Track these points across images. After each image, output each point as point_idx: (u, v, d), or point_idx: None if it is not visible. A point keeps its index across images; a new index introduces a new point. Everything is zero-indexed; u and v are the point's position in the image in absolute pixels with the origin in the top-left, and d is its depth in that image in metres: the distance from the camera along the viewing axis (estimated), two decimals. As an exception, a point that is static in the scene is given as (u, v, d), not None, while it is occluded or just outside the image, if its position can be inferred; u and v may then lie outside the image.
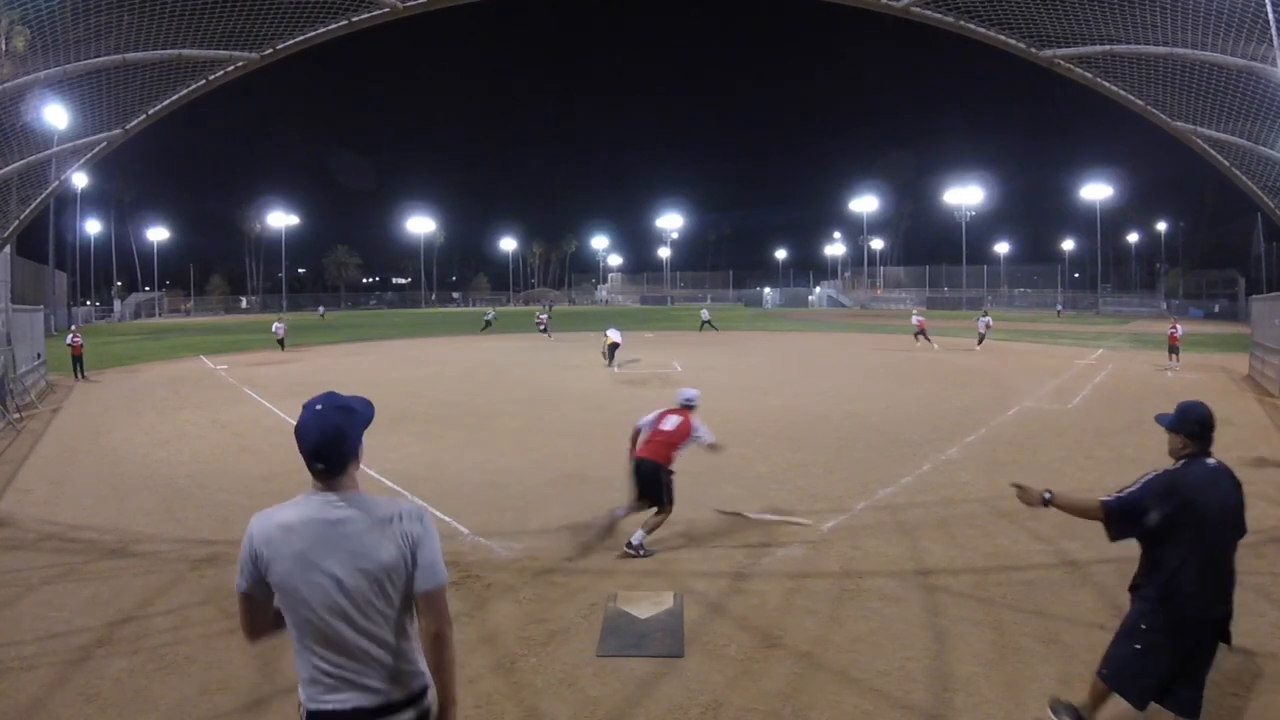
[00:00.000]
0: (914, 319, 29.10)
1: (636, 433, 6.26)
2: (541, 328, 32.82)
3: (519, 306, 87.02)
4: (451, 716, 2.03)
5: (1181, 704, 3.11)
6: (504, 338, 34.11)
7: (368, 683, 1.93)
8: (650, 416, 6.31)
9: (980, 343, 26.44)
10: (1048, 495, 3.23)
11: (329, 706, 1.93)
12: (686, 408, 6.46)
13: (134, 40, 7.83)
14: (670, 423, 6.21)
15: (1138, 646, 3.17)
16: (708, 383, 17.02)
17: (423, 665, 2.02)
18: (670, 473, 6.01)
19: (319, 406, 2.02)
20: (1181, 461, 3.18)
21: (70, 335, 19.60)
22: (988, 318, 28.10)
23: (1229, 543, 3.16)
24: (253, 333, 35.31)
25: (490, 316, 40.38)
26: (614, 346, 22.29)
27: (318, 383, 17.84)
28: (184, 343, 31.90)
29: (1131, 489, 3.16)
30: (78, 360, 18.72)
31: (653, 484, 5.98)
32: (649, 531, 5.96)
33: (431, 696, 2.01)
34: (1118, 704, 3.27)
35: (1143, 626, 3.18)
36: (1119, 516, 3.13)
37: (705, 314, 37.97)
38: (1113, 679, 3.22)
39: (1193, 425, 3.16)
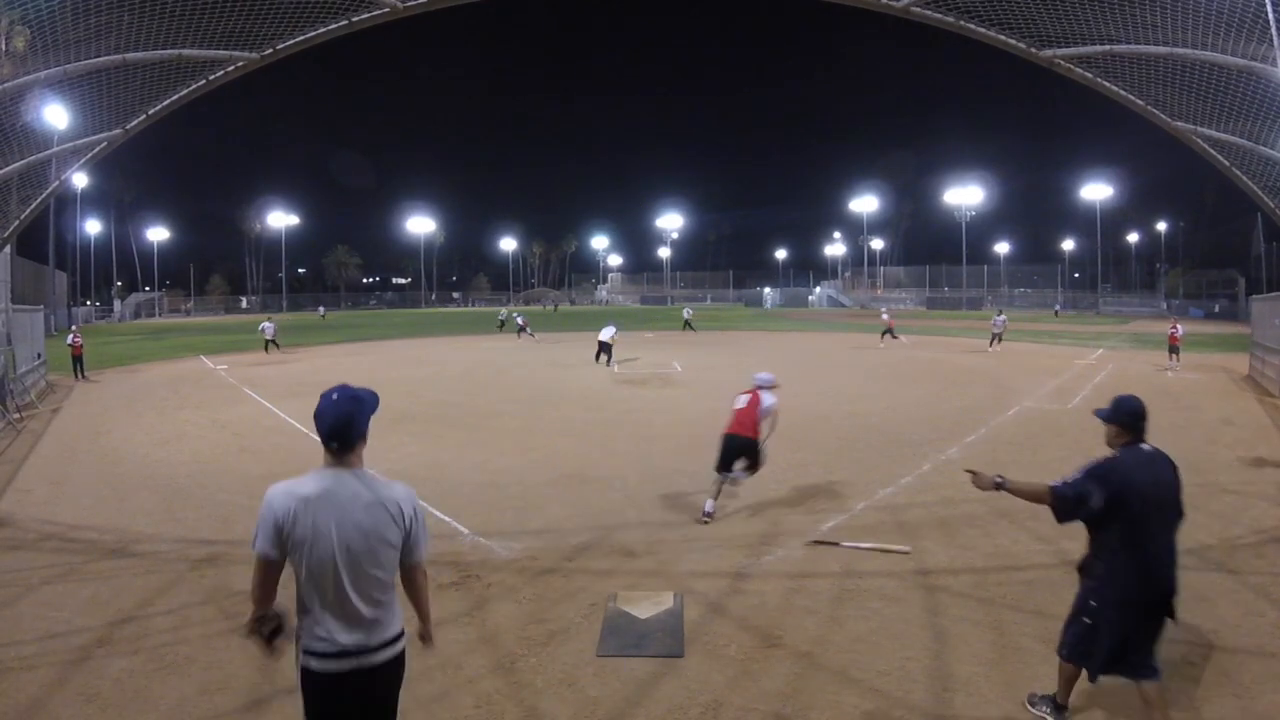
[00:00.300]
0: (883, 316, 31.58)
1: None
2: (521, 328, 31.94)
3: (520, 306, 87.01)
4: (430, 640, 2.71)
5: (1136, 670, 3.36)
6: (504, 338, 34.11)
7: (359, 626, 2.39)
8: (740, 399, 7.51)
9: (996, 343, 25.41)
10: (1000, 480, 3.47)
11: (326, 647, 2.37)
12: (759, 388, 7.60)
13: (134, 40, 7.82)
14: (742, 401, 7.48)
15: (1088, 622, 3.43)
16: (708, 382, 17.03)
17: (400, 616, 2.51)
18: (755, 440, 7.13)
19: (334, 395, 2.46)
20: (1119, 449, 3.43)
21: (70, 335, 19.60)
22: (1003, 317, 26.96)
23: (1168, 522, 3.38)
24: (253, 333, 35.18)
25: (503, 316, 40.57)
26: (605, 347, 21.71)
27: (317, 383, 17.80)
28: (184, 343, 31.90)
29: (1075, 475, 3.38)
30: (78, 360, 18.71)
31: (743, 451, 7.11)
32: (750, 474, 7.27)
33: (406, 638, 2.55)
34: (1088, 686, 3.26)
35: (1092, 604, 3.43)
36: (1064, 501, 3.35)
37: (687, 313, 37.77)
38: (1070, 654, 3.52)
39: (1125, 416, 3.45)
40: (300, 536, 2.35)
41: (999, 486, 3.47)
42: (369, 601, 2.40)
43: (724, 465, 7.08)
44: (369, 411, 2.50)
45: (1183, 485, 3.47)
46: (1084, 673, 3.51)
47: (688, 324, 36.57)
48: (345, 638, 2.38)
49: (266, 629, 2.50)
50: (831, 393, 15.44)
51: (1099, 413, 3.58)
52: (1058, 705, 3.70)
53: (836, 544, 6.17)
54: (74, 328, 23.15)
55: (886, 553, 5.99)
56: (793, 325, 44.74)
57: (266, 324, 26.79)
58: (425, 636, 2.69)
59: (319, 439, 2.42)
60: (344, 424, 2.41)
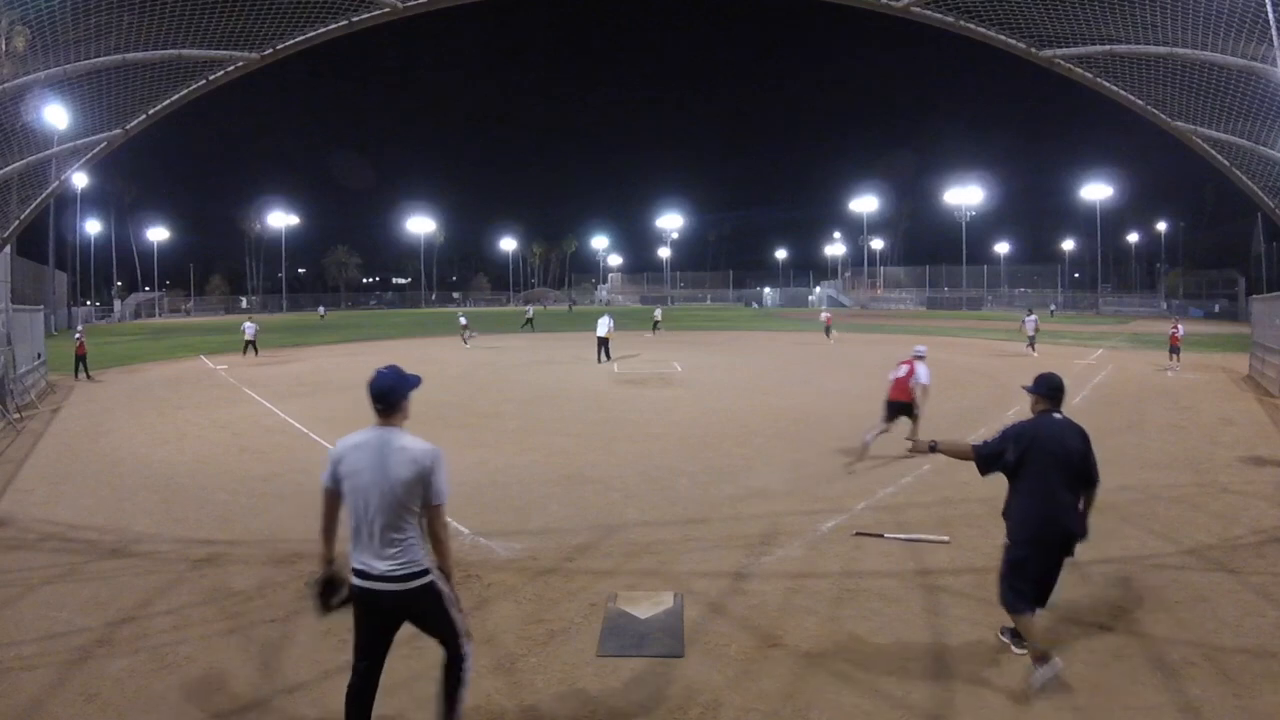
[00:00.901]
0: (822, 316, 33.85)
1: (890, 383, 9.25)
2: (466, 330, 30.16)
3: (520, 306, 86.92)
4: (451, 573, 3.20)
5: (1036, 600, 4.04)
6: (504, 338, 34.12)
7: (392, 554, 3.01)
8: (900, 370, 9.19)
9: (1032, 345, 24.10)
10: (934, 444, 4.22)
11: (367, 568, 3.03)
12: (916, 358, 9.17)
13: (134, 40, 7.83)
14: (901, 370, 9.10)
15: (1011, 561, 4.07)
16: (708, 382, 17.04)
17: (426, 556, 3.09)
18: (911, 403, 8.92)
19: (384, 370, 3.21)
20: (1035, 415, 4.11)
21: (77, 335, 19.71)
22: (1034, 317, 25.22)
23: (1070, 478, 3.96)
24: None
25: (530, 314, 40.82)
26: (603, 342, 21.68)
27: (317, 382, 17.84)
28: (184, 343, 31.90)
29: (994, 436, 4.11)
30: (80, 359, 18.75)
31: (902, 411, 9.00)
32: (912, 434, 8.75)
33: (431, 576, 3.10)
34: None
35: (1008, 543, 4.12)
36: (984, 458, 4.08)
37: (658, 314, 37.19)
38: (1004, 600, 4.09)
39: (1044, 388, 4.13)
40: (344, 473, 3.06)
41: (933, 449, 4.22)
42: (396, 532, 3.01)
43: (888, 419, 9.00)
44: (408, 387, 3.21)
45: (1092, 449, 4.02)
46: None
47: (657, 324, 35.72)
48: (378, 565, 3.01)
49: (336, 600, 3.17)
50: (832, 392, 15.44)
51: (1026, 387, 4.20)
52: (1044, 656, 3.95)
53: (881, 535, 6.37)
54: (79, 328, 23.00)
55: (928, 543, 6.19)
56: (793, 325, 44.74)
57: (248, 324, 25.16)
58: (445, 571, 3.16)
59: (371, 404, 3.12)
60: (386, 391, 3.13)
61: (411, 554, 3.04)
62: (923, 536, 6.31)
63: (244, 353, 24.11)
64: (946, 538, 6.22)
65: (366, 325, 47.83)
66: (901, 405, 8.96)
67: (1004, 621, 4.39)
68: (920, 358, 9.20)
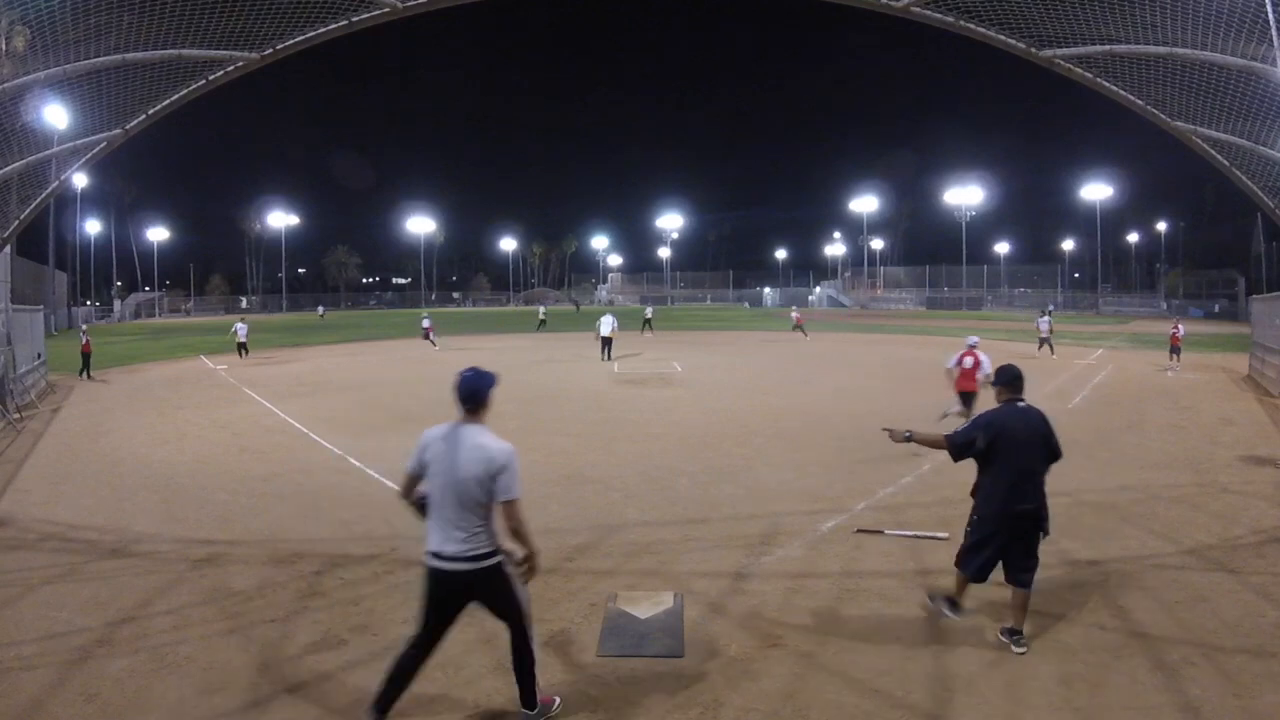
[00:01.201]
0: (792, 314, 35.25)
1: (949, 371, 10.33)
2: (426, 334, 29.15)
3: (520, 306, 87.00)
4: (535, 557, 3.49)
5: (1013, 575, 4.38)
6: (506, 338, 34.13)
7: (462, 539, 3.30)
8: (954, 359, 10.21)
9: (1047, 348, 22.77)
10: (909, 433, 4.60)
11: (440, 549, 3.33)
12: (973, 349, 10.11)
13: (134, 40, 7.82)
14: (968, 362, 10.05)
15: (975, 535, 4.44)
16: (708, 382, 17.04)
17: (495, 541, 3.37)
18: (977, 391, 9.85)
19: (469, 373, 3.48)
20: (1000, 404, 4.54)
21: (83, 333, 19.86)
22: (1048, 318, 23.59)
23: (1035, 457, 4.39)
24: (253, 332, 35.22)
25: (543, 315, 41.01)
26: (606, 341, 22.13)
27: (317, 382, 17.84)
28: (184, 343, 31.90)
29: (966, 425, 4.59)
30: (86, 358, 18.83)
31: (972, 399, 9.93)
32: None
33: (500, 558, 3.41)
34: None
35: (976, 518, 4.47)
36: (957, 446, 4.45)
37: (648, 313, 36.72)
38: (961, 563, 4.53)
39: (1005, 379, 4.58)
40: (427, 460, 3.38)
41: (909, 439, 4.59)
42: (467, 519, 3.29)
43: (964, 405, 10.04)
44: (489, 386, 3.48)
45: (1054, 431, 4.52)
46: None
47: (647, 323, 34.96)
48: (449, 547, 3.30)
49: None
50: (831, 392, 15.43)
51: (989, 379, 4.77)
52: (953, 603, 4.67)
53: (880, 532, 6.44)
54: (84, 327, 23.03)
55: (928, 540, 6.26)
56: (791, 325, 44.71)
57: (240, 325, 24.48)
58: (527, 559, 3.45)
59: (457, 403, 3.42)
60: (473, 391, 3.42)
61: (481, 539, 3.32)
62: (922, 533, 6.36)
63: (246, 353, 23.76)
64: (945, 534, 6.23)
65: (366, 325, 47.82)
66: (971, 394, 10.03)
67: (1003, 622, 4.54)
68: (976, 347, 10.18)
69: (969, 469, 4.60)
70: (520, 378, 18.36)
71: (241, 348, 23.72)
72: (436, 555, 3.33)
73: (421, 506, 3.45)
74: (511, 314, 69.15)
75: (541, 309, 44.39)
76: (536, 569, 3.52)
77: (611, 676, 4.11)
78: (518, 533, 3.36)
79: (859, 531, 6.45)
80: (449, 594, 3.40)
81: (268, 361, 23.33)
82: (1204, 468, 8.78)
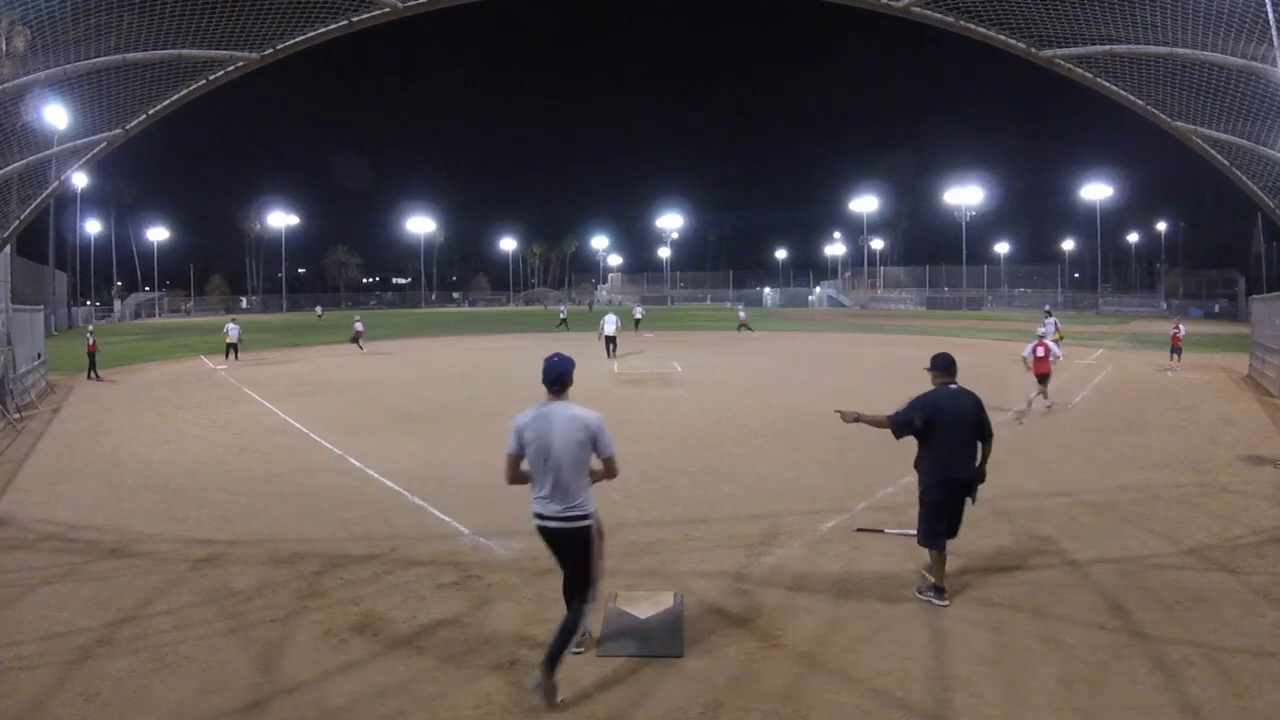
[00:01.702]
0: (740, 314, 38.58)
1: (1024, 359, 12.69)
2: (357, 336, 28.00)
3: (520, 306, 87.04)
4: (613, 474, 4.17)
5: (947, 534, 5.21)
6: (505, 338, 34.12)
7: (565, 499, 3.89)
8: (1029, 349, 12.58)
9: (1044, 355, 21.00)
10: (858, 415, 5.12)
11: (544, 510, 3.92)
12: (1043, 339, 12.63)
13: (134, 40, 7.83)
14: (1040, 351, 12.36)
15: (925, 506, 5.03)
16: (707, 382, 17.04)
17: (588, 507, 3.97)
18: (1050, 374, 12.49)
19: (555, 358, 4.06)
20: (935, 387, 5.18)
21: (89, 334, 19.86)
22: (1052, 320, 19.94)
23: (966, 434, 5.05)
24: (252, 333, 35.26)
25: (564, 314, 41.27)
26: (610, 340, 22.63)
27: (317, 382, 17.84)
28: (184, 343, 31.90)
29: (905, 406, 5.06)
30: (92, 358, 18.84)
31: (1048, 378, 12.45)
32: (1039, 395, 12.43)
33: (590, 522, 4.00)
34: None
35: (921, 489, 5.07)
36: (898, 425, 5.03)
37: (639, 313, 36.60)
38: (928, 541, 5.06)
39: (941, 365, 5.20)
40: (528, 439, 3.90)
41: (857, 419, 5.10)
42: (569, 484, 3.87)
43: (1041, 385, 12.40)
44: (571, 368, 4.08)
45: (985, 411, 5.14)
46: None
47: (638, 322, 35.01)
48: (552, 507, 3.89)
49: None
50: (832, 392, 15.42)
51: (927, 367, 5.28)
52: (939, 589, 5.00)
53: (881, 531, 6.45)
54: (91, 327, 22.99)
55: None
56: (792, 325, 44.74)
57: (231, 325, 23.40)
58: (608, 475, 4.12)
59: (543, 384, 4.03)
60: (558, 374, 4.02)
61: (579, 501, 3.90)
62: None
63: (236, 356, 22.91)
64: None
65: (366, 325, 47.73)
66: (1046, 375, 12.33)
67: (924, 585, 5.12)
68: (1047, 336, 12.70)
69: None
70: (521, 377, 18.35)
71: (231, 349, 22.82)
72: (541, 516, 3.91)
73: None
74: (512, 314, 69.13)
75: (562, 309, 44.41)
76: (612, 474, 4.10)
77: (611, 676, 4.11)
78: (612, 473, 4.06)
79: (859, 530, 6.45)
80: (556, 546, 3.99)
81: (268, 362, 23.32)
82: (1204, 468, 8.78)
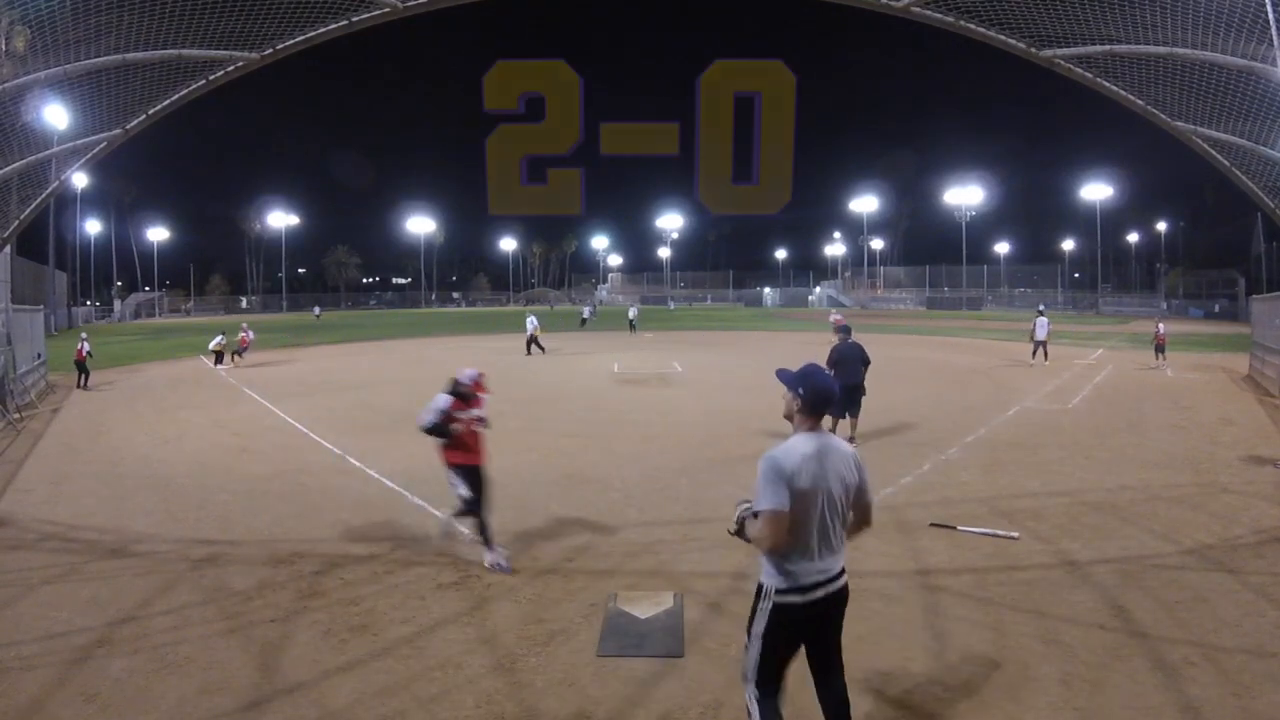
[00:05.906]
0: (630, 313, 36.23)
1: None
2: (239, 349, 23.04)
3: (520, 306, 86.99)
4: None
5: (849, 410, 9.94)
6: (505, 338, 34.11)
7: (834, 555, 3.01)
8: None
9: (1040, 354, 20.32)
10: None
11: (828, 571, 2.99)
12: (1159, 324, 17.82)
13: (134, 40, 7.82)
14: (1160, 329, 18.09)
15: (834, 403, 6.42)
16: (707, 382, 17.03)
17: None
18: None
19: (821, 371, 3.24)
20: (839, 341, 10.08)
21: (82, 342, 17.58)
22: (1046, 319, 20.61)
23: (856, 365, 9.81)
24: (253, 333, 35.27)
25: (587, 314, 41.11)
26: (531, 340, 24.13)
27: (317, 382, 17.83)
28: (184, 343, 31.88)
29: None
30: (80, 365, 17.12)
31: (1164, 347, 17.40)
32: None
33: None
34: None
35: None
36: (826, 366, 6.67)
37: (632, 313, 35.91)
38: (833, 411, 6.84)
39: (843, 329, 10.26)
40: (803, 486, 2.90)
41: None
42: (839, 534, 3.03)
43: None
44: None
45: (866, 353, 9.87)
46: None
47: (631, 324, 34.25)
48: (835, 565, 3.02)
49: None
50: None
51: (836, 329, 10.22)
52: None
53: (953, 528, 6.51)
54: (83, 335, 18.59)
55: (999, 538, 6.31)
56: (793, 325, 44.73)
57: (220, 336, 22.47)
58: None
59: (808, 404, 3.07)
60: (830, 396, 3.14)
61: (844, 549, 3.09)
62: (994, 531, 6.46)
63: (233, 359, 22.23)
64: (1016, 533, 6.36)
65: (367, 325, 47.79)
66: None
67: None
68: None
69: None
70: (520, 378, 18.36)
71: (217, 356, 21.95)
72: (823, 583, 3.05)
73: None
74: (512, 314, 69.16)
75: (586, 309, 43.22)
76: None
77: (611, 676, 4.11)
78: (868, 528, 3.23)
79: (933, 525, 6.59)
80: (827, 615, 3.11)
81: (268, 362, 23.31)
82: (1204, 468, 8.78)
